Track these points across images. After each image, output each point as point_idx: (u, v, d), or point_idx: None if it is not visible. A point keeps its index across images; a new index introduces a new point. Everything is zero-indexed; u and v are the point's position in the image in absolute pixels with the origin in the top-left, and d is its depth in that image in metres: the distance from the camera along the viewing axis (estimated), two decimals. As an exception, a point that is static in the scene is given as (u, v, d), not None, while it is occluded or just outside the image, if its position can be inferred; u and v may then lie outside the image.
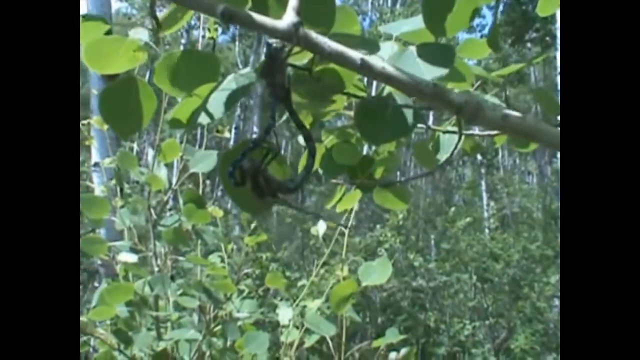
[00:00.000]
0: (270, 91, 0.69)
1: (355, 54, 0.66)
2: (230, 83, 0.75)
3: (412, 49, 0.78)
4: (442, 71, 0.74)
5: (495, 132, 1.00)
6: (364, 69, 0.65)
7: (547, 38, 12.57)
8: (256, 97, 11.60)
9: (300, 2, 0.66)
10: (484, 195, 12.98)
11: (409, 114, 0.82)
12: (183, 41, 12.79)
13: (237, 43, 15.79)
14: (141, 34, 0.80)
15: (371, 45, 0.81)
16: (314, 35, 0.66)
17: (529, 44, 13.83)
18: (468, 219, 8.42)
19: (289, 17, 0.65)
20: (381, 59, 0.66)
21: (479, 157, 12.71)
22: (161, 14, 0.80)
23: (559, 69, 9.72)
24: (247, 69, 0.76)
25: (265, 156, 0.71)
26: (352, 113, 1.00)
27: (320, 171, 1.03)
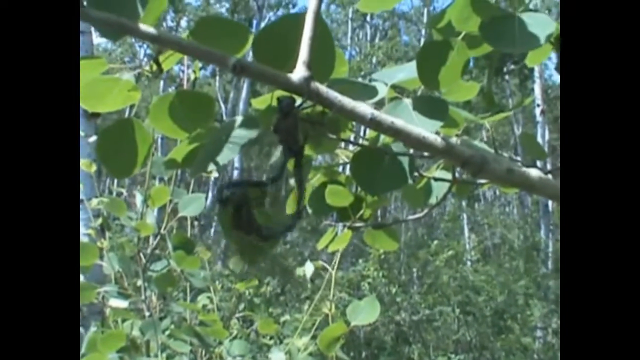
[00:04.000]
0: (284, 147, 0.68)
1: (366, 109, 0.66)
2: (235, 129, 0.73)
3: (408, 101, 0.80)
4: (437, 124, 0.76)
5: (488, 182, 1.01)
6: (374, 123, 0.65)
7: (525, 70, 12.73)
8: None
9: (310, 55, 0.66)
10: (465, 227, 12.99)
11: (404, 162, 0.83)
12: (163, 75, 12.78)
13: (217, 78, 15.84)
14: (128, 75, 0.81)
15: (370, 91, 0.83)
16: (324, 89, 0.65)
17: (507, 76, 13.99)
18: (450, 252, 8.42)
19: (300, 72, 0.65)
20: (389, 116, 0.65)
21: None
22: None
23: (537, 101, 9.85)
24: (251, 115, 0.75)
25: (260, 197, 0.70)
26: (339, 151, 1.00)
27: (309, 210, 1.03)
